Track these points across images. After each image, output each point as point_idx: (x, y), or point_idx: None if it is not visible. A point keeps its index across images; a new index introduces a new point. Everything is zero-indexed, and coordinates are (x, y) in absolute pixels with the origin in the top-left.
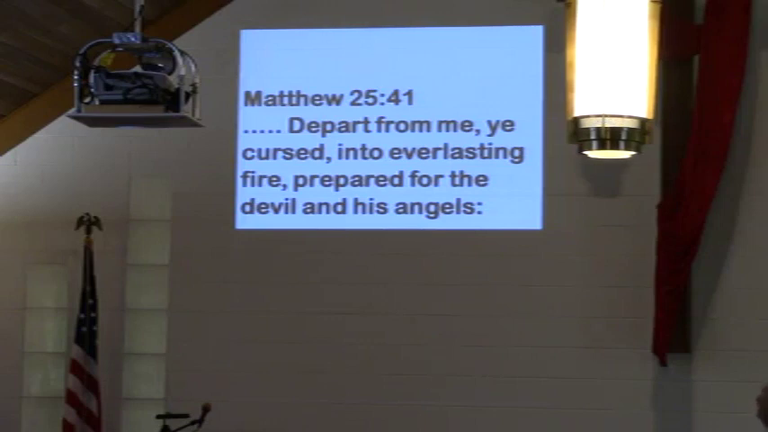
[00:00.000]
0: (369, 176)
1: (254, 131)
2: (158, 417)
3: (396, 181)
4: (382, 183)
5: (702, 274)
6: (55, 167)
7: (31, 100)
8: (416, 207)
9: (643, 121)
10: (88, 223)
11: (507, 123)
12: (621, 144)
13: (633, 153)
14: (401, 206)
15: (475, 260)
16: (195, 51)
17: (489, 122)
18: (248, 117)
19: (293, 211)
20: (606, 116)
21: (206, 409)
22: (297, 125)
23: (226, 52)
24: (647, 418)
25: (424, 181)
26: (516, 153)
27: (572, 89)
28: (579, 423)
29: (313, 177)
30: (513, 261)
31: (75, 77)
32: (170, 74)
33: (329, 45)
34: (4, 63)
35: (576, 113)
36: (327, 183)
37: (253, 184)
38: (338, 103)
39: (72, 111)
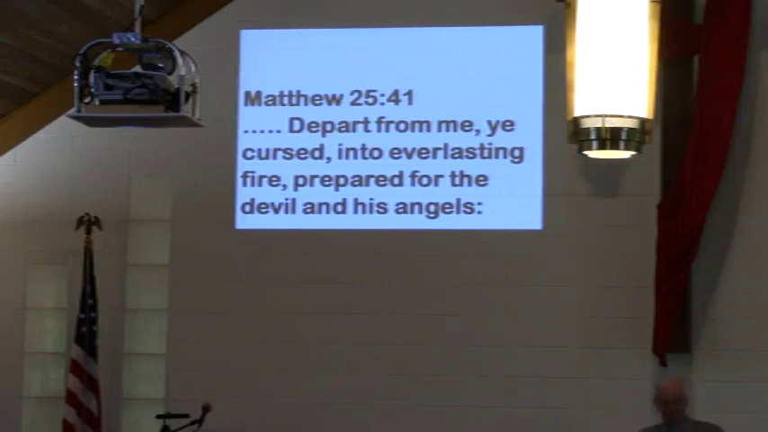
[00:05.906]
0: (369, 176)
1: (254, 131)
2: (158, 417)
3: (396, 181)
4: (382, 183)
5: (702, 274)
6: (55, 167)
7: (31, 100)
8: (416, 207)
9: (643, 121)
10: (88, 223)
11: (507, 123)
12: (621, 144)
13: (633, 153)
14: (401, 206)
15: (475, 260)
16: (195, 51)
17: (489, 122)
18: (248, 117)
19: (293, 211)
20: (606, 116)
21: (206, 409)
22: (297, 125)
23: (226, 52)
24: (647, 419)
25: (424, 181)
26: (516, 153)
27: (572, 89)
28: (579, 423)
29: (313, 177)
30: (512, 261)
31: (75, 77)
32: (170, 74)
33: (329, 45)
34: (4, 63)
35: (576, 113)
36: (327, 183)
37: (253, 184)
38: (338, 103)
39: (72, 111)
